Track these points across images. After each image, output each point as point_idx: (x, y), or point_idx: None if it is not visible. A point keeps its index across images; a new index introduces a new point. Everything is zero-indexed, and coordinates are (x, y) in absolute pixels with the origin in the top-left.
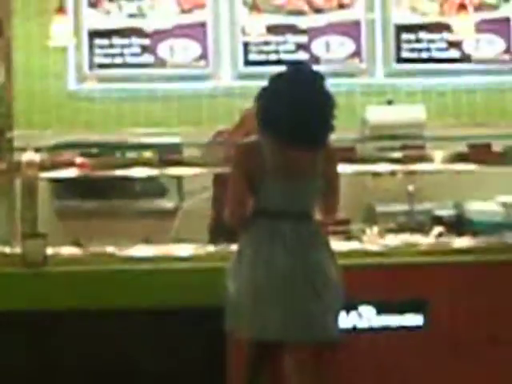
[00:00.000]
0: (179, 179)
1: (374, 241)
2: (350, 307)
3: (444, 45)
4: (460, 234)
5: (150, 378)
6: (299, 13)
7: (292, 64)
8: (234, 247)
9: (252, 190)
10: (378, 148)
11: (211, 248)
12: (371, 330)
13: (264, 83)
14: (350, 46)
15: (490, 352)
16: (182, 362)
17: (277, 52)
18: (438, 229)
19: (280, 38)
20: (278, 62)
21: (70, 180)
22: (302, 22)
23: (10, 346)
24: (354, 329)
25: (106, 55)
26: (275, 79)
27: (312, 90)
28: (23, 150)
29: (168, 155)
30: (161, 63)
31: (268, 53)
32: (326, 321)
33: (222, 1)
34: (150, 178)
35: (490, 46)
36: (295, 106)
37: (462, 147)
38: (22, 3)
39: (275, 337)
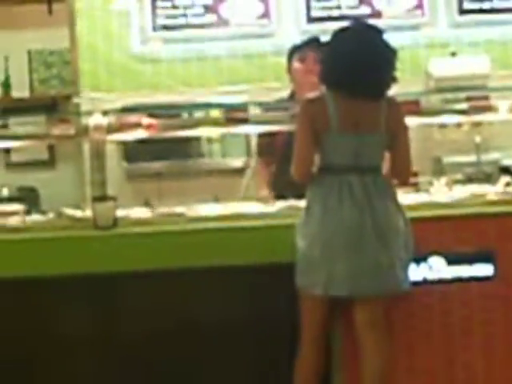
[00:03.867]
0: (247, 137)
1: (442, 192)
2: (420, 259)
3: None
4: None
5: (217, 338)
6: None
7: (353, 20)
8: (303, 203)
9: (318, 146)
10: (443, 100)
11: (280, 205)
12: (441, 281)
13: (326, 39)
14: None
15: None
16: (250, 320)
17: (339, 8)
18: (505, 178)
19: None
20: (341, 18)
21: (138, 142)
22: None
23: (80, 308)
24: (425, 281)
25: (169, 16)
26: (337, 34)
27: (373, 43)
28: (90, 113)
29: (234, 114)
30: (223, 23)
31: (330, 8)
32: (395, 273)
33: None
34: (218, 138)
35: None
36: (357, 58)
37: None
38: None
39: (346, 292)
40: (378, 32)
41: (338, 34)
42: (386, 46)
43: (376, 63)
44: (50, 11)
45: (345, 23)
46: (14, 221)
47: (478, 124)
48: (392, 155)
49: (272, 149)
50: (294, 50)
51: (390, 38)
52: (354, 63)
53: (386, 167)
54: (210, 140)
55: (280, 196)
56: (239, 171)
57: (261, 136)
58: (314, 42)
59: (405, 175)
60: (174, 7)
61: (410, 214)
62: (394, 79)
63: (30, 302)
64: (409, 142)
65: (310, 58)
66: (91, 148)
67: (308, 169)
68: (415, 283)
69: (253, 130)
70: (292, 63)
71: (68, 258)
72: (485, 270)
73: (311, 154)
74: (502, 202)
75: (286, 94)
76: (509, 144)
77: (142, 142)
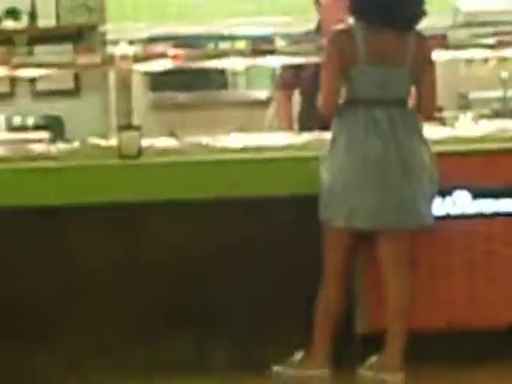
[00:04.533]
0: (272, 70)
1: (467, 127)
2: (445, 193)
3: None
4: None
5: (242, 270)
6: None
7: None
8: (328, 135)
9: (345, 78)
10: (471, 35)
11: (306, 137)
12: (466, 216)
13: None
14: None
15: None
16: (275, 253)
17: None
18: None
19: None
20: None
21: (164, 72)
22: None
23: (105, 238)
24: (448, 215)
25: None
26: None
27: None
28: (116, 43)
29: (260, 45)
30: None
31: None
32: (419, 207)
33: None
34: (243, 69)
35: None
36: None
37: None
38: None
39: (369, 224)
40: None
41: None
42: None
43: None
44: None
45: None
46: (39, 148)
47: (504, 59)
48: (418, 89)
49: (296, 81)
50: None
51: None
52: None
53: (411, 102)
54: (235, 71)
55: (306, 128)
56: (264, 103)
57: (285, 68)
58: None
59: (430, 110)
60: None
61: (436, 148)
62: (423, 13)
63: (54, 230)
64: (435, 76)
65: None
66: (117, 77)
67: (335, 101)
68: (439, 217)
69: (279, 61)
70: None
71: (92, 187)
72: (510, 205)
73: (338, 86)
74: None
75: (312, 26)
76: None
77: (167, 72)
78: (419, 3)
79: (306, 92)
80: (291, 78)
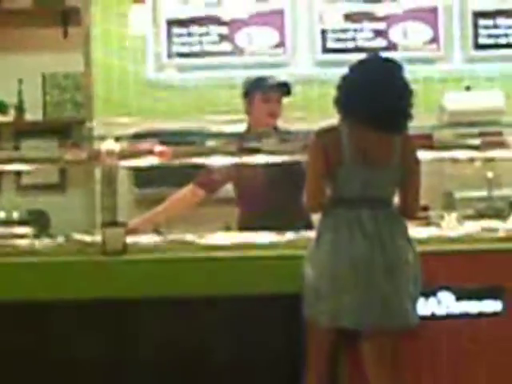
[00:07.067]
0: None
1: (452, 227)
2: (429, 293)
3: None
4: None
5: (227, 366)
6: (376, 0)
7: (370, 52)
8: (313, 234)
9: (330, 177)
10: (456, 135)
11: (290, 235)
12: (450, 316)
13: (342, 71)
14: (427, 32)
15: None
16: (259, 349)
17: (354, 39)
18: None
19: (357, 26)
20: (356, 50)
21: (150, 168)
22: (380, 9)
23: (89, 334)
24: (433, 315)
25: (184, 44)
26: (355, 67)
27: (391, 78)
28: (103, 138)
29: (247, 143)
30: (239, 51)
31: (346, 40)
32: (404, 307)
33: None
34: None
35: None
36: (375, 92)
37: None
38: None
39: (353, 324)
40: (398, 66)
41: (359, 64)
42: (406, 80)
43: (397, 97)
44: (66, 35)
45: (360, 55)
46: (23, 244)
47: (490, 159)
48: (402, 190)
49: (214, 186)
50: (256, 88)
51: (405, 71)
52: (376, 95)
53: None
54: None
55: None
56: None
57: (208, 170)
58: (283, 86)
59: (414, 210)
60: (190, 35)
61: (420, 248)
62: (411, 118)
63: (38, 326)
64: (420, 177)
65: (273, 99)
66: (103, 173)
67: (320, 200)
68: (424, 318)
69: (265, 159)
70: (252, 100)
71: (76, 283)
72: (494, 306)
73: (323, 185)
74: None
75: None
76: None
77: (153, 168)
78: (408, 104)
79: (246, 196)
80: (211, 180)
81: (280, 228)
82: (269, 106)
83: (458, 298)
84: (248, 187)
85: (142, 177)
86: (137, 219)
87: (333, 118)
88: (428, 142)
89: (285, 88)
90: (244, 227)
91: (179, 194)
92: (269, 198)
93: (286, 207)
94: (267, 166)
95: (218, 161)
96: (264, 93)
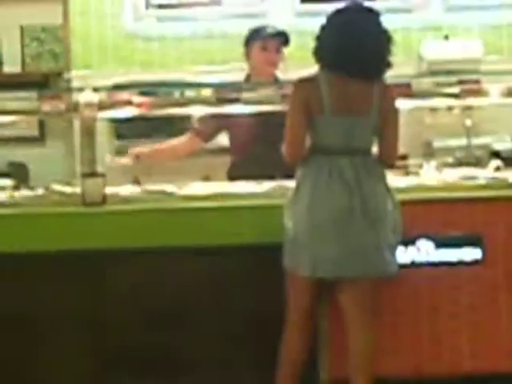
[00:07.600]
0: None
1: (431, 176)
2: (408, 242)
3: None
4: None
5: (205, 318)
6: None
7: (349, 1)
8: (292, 184)
9: (310, 127)
10: (435, 83)
11: (269, 185)
12: (429, 264)
13: (321, 21)
14: None
15: None
16: (237, 300)
17: None
18: (495, 163)
19: None
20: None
21: (129, 119)
22: None
23: (67, 285)
24: (412, 263)
25: None
26: (333, 16)
27: (369, 25)
28: (81, 90)
29: (225, 93)
30: (217, 2)
31: None
32: (383, 255)
33: None
34: None
35: None
36: (353, 40)
37: None
38: None
39: (332, 273)
40: (376, 14)
41: (337, 13)
42: (384, 28)
43: (375, 44)
44: None
45: (338, 4)
46: (2, 196)
47: (469, 108)
48: (381, 138)
49: (211, 132)
50: (255, 36)
51: (384, 20)
52: (354, 42)
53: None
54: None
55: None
56: (229, 150)
57: (203, 118)
58: (281, 35)
59: (392, 158)
60: None
61: (400, 197)
62: (389, 64)
63: (16, 277)
64: (399, 125)
65: (272, 48)
66: (81, 125)
67: (299, 149)
68: (403, 266)
69: (243, 109)
70: (251, 49)
71: (56, 234)
72: (473, 253)
73: (303, 135)
74: (491, 186)
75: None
76: (499, 128)
77: (132, 119)
78: (387, 52)
79: (238, 146)
80: (207, 129)
81: (266, 177)
82: (267, 55)
83: (438, 246)
84: (238, 136)
85: (121, 128)
86: (140, 148)
87: (311, 69)
88: (407, 90)
89: (283, 37)
90: (233, 176)
91: (179, 141)
92: (256, 148)
93: (272, 156)
94: (258, 115)
95: (208, 110)
96: (262, 41)
